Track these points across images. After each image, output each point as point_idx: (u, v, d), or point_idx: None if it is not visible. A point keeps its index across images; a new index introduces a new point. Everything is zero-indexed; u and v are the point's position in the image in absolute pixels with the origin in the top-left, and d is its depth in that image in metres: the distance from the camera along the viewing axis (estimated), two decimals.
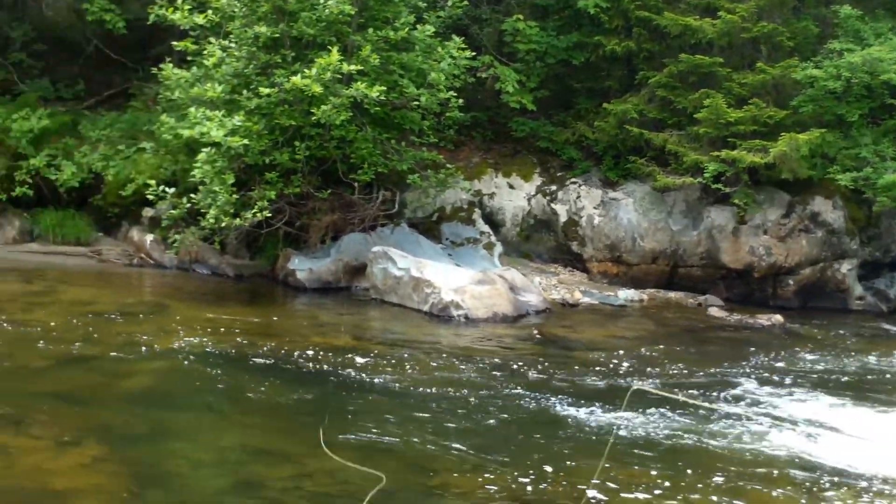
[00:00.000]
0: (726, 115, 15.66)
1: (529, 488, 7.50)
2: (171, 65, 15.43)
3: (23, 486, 6.96)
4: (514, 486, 7.53)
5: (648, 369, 11.42)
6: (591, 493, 7.44)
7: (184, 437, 8.32)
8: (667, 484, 7.74)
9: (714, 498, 7.49)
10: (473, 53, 15.99)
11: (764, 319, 14.86)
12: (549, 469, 7.92)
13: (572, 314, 14.82)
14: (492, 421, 9.15)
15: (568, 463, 8.09)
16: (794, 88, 16.31)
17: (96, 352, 10.51)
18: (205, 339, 11.44)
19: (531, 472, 7.83)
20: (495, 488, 7.47)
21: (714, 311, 15.47)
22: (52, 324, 11.54)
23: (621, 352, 12.35)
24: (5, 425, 8.16)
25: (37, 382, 9.43)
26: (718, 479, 7.89)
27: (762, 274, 16.43)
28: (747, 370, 11.66)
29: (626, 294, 16.06)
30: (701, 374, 11.35)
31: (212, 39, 14.76)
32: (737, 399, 10.31)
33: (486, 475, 7.71)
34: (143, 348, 10.84)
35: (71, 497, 6.85)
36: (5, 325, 11.35)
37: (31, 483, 7.04)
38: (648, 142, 16.58)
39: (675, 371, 11.39)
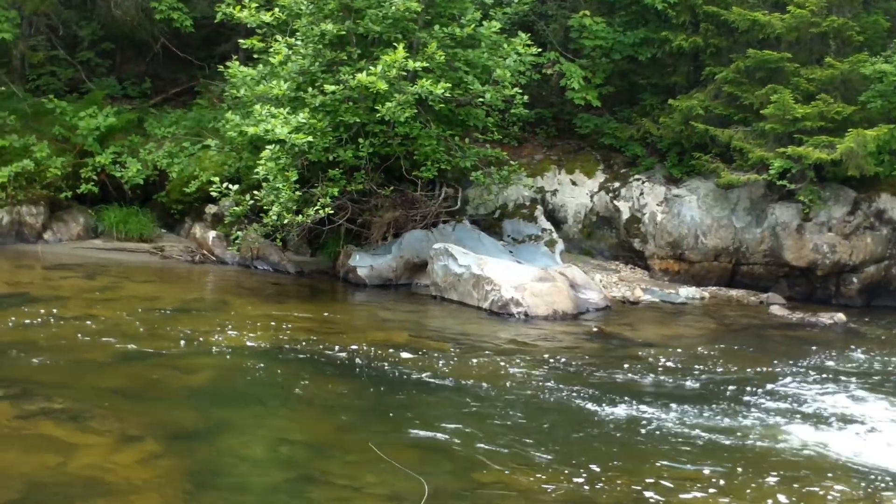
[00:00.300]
0: (793, 111, 15.41)
1: (586, 488, 7.43)
2: (237, 62, 15.61)
3: (81, 481, 7.04)
4: (569, 485, 7.47)
5: (708, 368, 11.26)
6: (648, 493, 7.36)
7: (242, 434, 8.36)
8: (721, 483, 7.63)
9: (770, 500, 7.35)
10: (539, 50, 15.89)
11: (826, 318, 14.60)
12: (605, 468, 7.84)
13: (633, 312, 14.69)
14: (549, 420, 9.08)
15: (625, 462, 8.00)
16: (862, 84, 15.98)
17: (157, 347, 10.62)
18: (265, 336, 11.52)
19: (587, 471, 7.77)
20: (551, 487, 7.41)
21: (776, 310, 15.24)
22: (115, 320, 11.68)
23: (681, 350, 12.22)
24: (66, 420, 8.27)
25: (98, 377, 9.56)
26: (772, 480, 7.76)
27: (826, 272, 16.14)
28: (807, 369, 11.45)
29: (687, 292, 15.88)
30: (760, 372, 11.17)
31: (278, 37, 14.86)
32: (796, 398, 10.12)
33: (541, 474, 7.66)
34: (204, 344, 10.93)
35: (128, 493, 6.90)
36: (69, 320, 11.52)
37: (90, 478, 7.11)
38: (713, 138, 16.37)
39: (735, 370, 11.23)
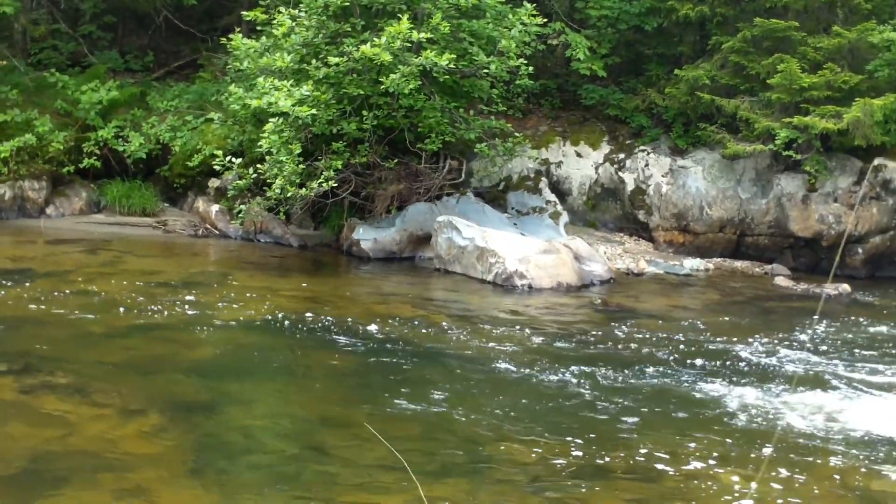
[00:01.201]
0: (800, 81, 15.30)
1: (590, 458, 7.40)
2: (240, 35, 15.50)
3: (86, 454, 7.03)
4: (573, 457, 7.44)
5: (712, 339, 11.21)
6: (652, 464, 7.33)
7: (244, 407, 8.35)
8: (725, 453, 7.61)
9: (772, 470, 7.32)
10: (544, 20, 15.74)
11: (831, 289, 14.54)
12: (610, 440, 7.82)
13: (637, 284, 14.64)
14: (553, 391, 9.04)
15: (630, 434, 7.98)
16: (870, 53, 15.87)
17: (161, 321, 10.60)
18: (267, 309, 11.49)
19: (591, 442, 7.74)
20: (556, 459, 7.39)
21: (780, 281, 15.18)
22: (117, 294, 11.65)
23: (685, 321, 12.18)
24: (70, 393, 8.26)
25: (100, 352, 9.53)
26: (775, 449, 7.72)
27: (831, 242, 16.05)
28: (812, 339, 11.42)
29: (691, 263, 15.83)
30: (764, 343, 11.12)
31: (281, 9, 14.76)
32: (801, 368, 10.09)
33: (546, 446, 7.64)
34: (206, 318, 10.90)
35: (133, 465, 6.90)
36: (71, 295, 11.49)
37: (94, 451, 7.11)
38: (720, 108, 16.26)
39: (739, 340, 11.17)
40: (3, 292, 11.44)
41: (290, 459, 7.31)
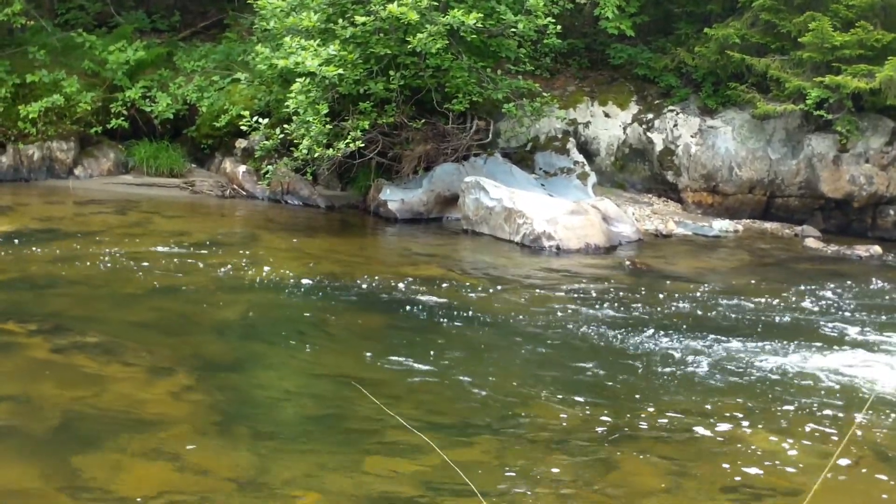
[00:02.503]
0: (832, 39, 15.09)
1: (621, 420, 7.39)
2: None
3: (114, 413, 7.08)
4: (604, 418, 7.43)
5: (741, 300, 11.15)
6: (683, 425, 7.32)
7: (272, 368, 8.38)
8: (755, 414, 7.57)
9: (801, 430, 7.29)
10: None
11: (862, 250, 14.41)
12: (638, 401, 7.81)
13: (665, 245, 14.56)
14: (582, 353, 9.03)
15: (658, 395, 7.96)
16: None
17: (188, 282, 10.64)
18: (295, 270, 11.50)
19: (622, 404, 7.74)
20: (586, 421, 7.39)
21: (810, 242, 15.04)
22: (145, 254, 11.70)
23: (714, 283, 12.12)
24: (99, 353, 8.31)
25: (129, 312, 9.58)
26: (805, 411, 7.68)
27: (862, 204, 15.89)
28: (842, 301, 11.32)
29: (720, 225, 15.71)
30: (793, 305, 11.06)
31: None
32: (831, 330, 10.02)
33: (577, 408, 7.64)
34: (234, 279, 10.94)
35: (161, 425, 6.94)
36: (100, 255, 11.54)
37: (122, 410, 7.16)
38: (750, 67, 16.07)
39: (768, 302, 11.11)
40: (33, 252, 11.52)
41: (316, 420, 7.35)
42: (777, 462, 6.80)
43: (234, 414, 7.27)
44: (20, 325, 8.82)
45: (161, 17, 20.17)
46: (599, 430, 7.25)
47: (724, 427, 7.36)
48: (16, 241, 12.05)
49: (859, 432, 7.32)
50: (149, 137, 17.36)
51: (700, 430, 7.30)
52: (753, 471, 6.66)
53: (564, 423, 7.34)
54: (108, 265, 11.11)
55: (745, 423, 7.45)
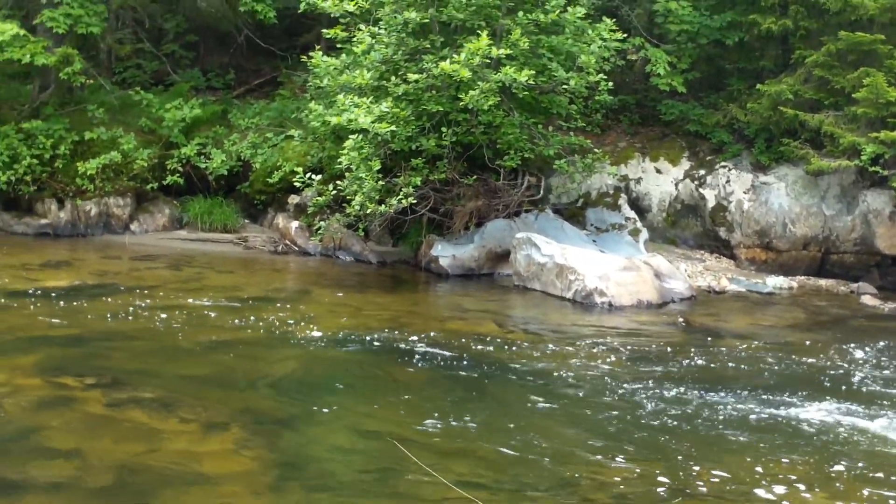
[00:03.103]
0: (886, 95, 14.98)
1: (674, 480, 7.29)
2: (320, 52, 15.60)
3: (169, 469, 7.10)
4: (658, 477, 7.33)
5: (797, 359, 11.00)
6: (734, 486, 7.20)
7: (325, 424, 8.37)
8: (809, 476, 7.43)
9: (857, 494, 7.15)
10: (624, 35, 15.65)
11: None
12: (693, 460, 7.69)
13: (718, 302, 14.43)
14: (636, 411, 8.93)
15: (712, 454, 7.84)
16: None
17: (242, 337, 10.70)
18: (347, 326, 11.54)
19: (675, 463, 7.63)
20: (640, 480, 7.29)
21: (867, 300, 14.84)
22: (200, 309, 11.79)
23: (769, 341, 11.97)
24: (156, 408, 8.35)
25: (184, 366, 9.65)
26: (860, 474, 7.53)
27: None
28: None
29: (774, 281, 15.56)
30: (851, 364, 10.89)
31: (361, 26, 14.83)
32: (888, 391, 9.83)
33: (630, 466, 7.54)
34: (287, 334, 10.98)
35: (217, 481, 6.95)
36: (155, 310, 11.65)
37: (179, 465, 7.17)
38: (803, 123, 15.99)
39: (825, 361, 10.95)
40: (89, 307, 11.66)
41: (371, 477, 7.31)
42: None
43: (288, 471, 7.26)
44: (77, 378, 8.90)
45: (216, 75, 20.51)
46: (656, 490, 7.15)
47: (779, 489, 7.22)
48: (73, 295, 12.20)
49: None
50: (203, 193, 17.59)
51: (757, 491, 7.17)
52: None
53: (618, 483, 7.25)
54: (163, 320, 11.20)
55: (802, 486, 7.30)
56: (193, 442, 7.68)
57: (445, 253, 15.33)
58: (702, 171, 17.16)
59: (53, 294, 12.20)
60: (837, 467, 7.70)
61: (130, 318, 11.24)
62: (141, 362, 9.67)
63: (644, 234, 16.54)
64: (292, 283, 14.69)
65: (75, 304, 11.81)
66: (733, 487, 7.24)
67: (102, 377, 9.00)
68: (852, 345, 11.81)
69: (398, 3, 14.76)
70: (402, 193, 14.15)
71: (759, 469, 7.58)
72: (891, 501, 7.08)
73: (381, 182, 14.14)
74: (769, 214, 16.37)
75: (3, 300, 11.67)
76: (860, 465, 7.76)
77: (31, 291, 12.29)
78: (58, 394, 8.54)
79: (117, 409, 8.24)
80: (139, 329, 10.81)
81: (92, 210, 16.77)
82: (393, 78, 14.38)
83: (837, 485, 7.37)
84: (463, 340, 11.06)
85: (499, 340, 11.22)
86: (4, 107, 17.63)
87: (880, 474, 7.56)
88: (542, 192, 16.11)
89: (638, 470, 7.50)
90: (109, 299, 12.08)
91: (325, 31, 15.86)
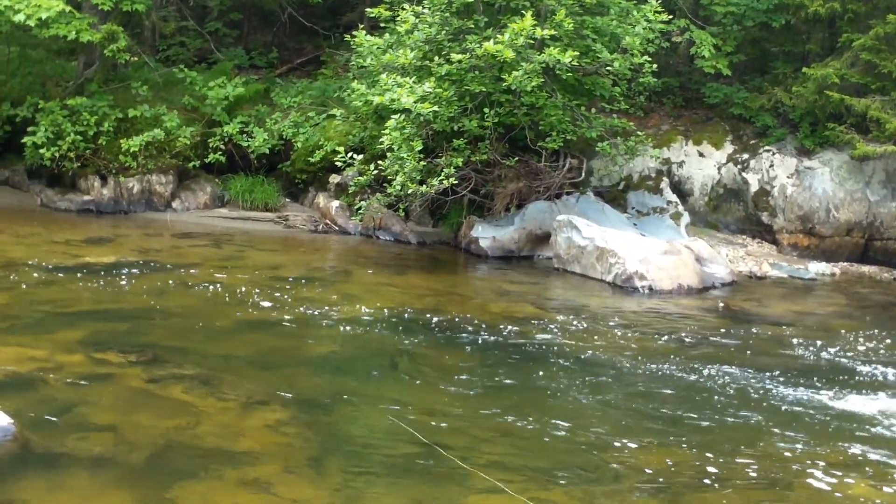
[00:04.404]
0: None
1: (713, 466, 7.25)
2: (363, 32, 15.58)
3: (209, 445, 7.13)
4: (696, 463, 7.30)
5: (839, 345, 10.90)
6: (775, 473, 7.15)
7: (364, 403, 8.39)
8: (852, 464, 7.37)
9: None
10: (669, 17, 15.52)
11: None
12: (732, 446, 7.64)
13: (759, 287, 14.33)
14: (674, 396, 8.89)
15: (751, 441, 7.79)
16: None
17: (282, 316, 10.73)
18: (386, 305, 11.56)
19: (714, 449, 7.58)
20: (678, 466, 7.25)
21: None
22: (241, 288, 11.84)
23: (811, 327, 11.88)
24: (197, 385, 8.40)
25: (226, 344, 9.70)
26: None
27: None
28: None
29: (816, 267, 15.43)
30: (894, 351, 10.80)
31: (405, 6, 14.81)
32: None
33: (669, 452, 7.50)
34: (326, 313, 11.01)
35: (256, 458, 6.98)
36: (196, 287, 11.72)
37: (219, 442, 7.21)
38: (849, 108, 15.81)
39: (867, 348, 10.85)
40: (132, 284, 11.75)
41: (408, 456, 7.32)
42: None
43: (327, 450, 7.29)
44: (119, 354, 8.96)
45: (259, 53, 20.57)
46: (690, 473, 7.11)
47: (816, 476, 7.17)
48: (115, 272, 12.29)
49: None
50: (245, 172, 17.65)
51: (794, 477, 7.12)
52: None
53: (654, 466, 7.21)
54: (204, 298, 11.28)
55: (839, 473, 7.24)
56: (232, 419, 7.72)
57: (485, 234, 15.31)
58: (745, 156, 17.01)
59: (96, 270, 12.30)
60: (874, 455, 7.63)
61: (171, 295, 11.31)
62: (182, 339, 9.73)
63: (685, 218, 16.43)
64: (332, 263, 14.74)
65: (117, 280, 11.91)
66: (768, 474, 7.19)
67: (143, 353, 9.06)
68: (894, 332, 11.68)
69: None
70: (443, 174, 14.14)
71: (795, 456, 7.53)
72: None
73: (422, 162, 14.13)
74: (813, 200, 16.23)
75: (46, 276, 11.78)
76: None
77: (74, 267, 12.39)
78: (99, 369, 8.60)
79: (158, 386, 8.29)
80: (180, 306, 10.89)
81: (134, 187, 16.87)
82: (436, 58, 14.35)
83: (874, 472, 7.30)
84: (502, 322, 11.05)
85: (537, 323, 11.20)
86: (49, 83, 17.77)
87: None
88: (583, 174, 16.05)
89: (672, 455, 7.47)
90: (151, 276, 12.16)
91: (368, 10, 15.88)
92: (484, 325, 10.87)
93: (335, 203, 16.65)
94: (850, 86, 16.06)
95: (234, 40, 20.88)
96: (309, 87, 18.47)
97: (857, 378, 9.67)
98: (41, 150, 16.37)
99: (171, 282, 11.90)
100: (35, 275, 11.74)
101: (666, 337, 11.00)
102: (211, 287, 11.76)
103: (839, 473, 7.24)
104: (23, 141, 16.49)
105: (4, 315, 10.00)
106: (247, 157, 17.54)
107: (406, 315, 11.15)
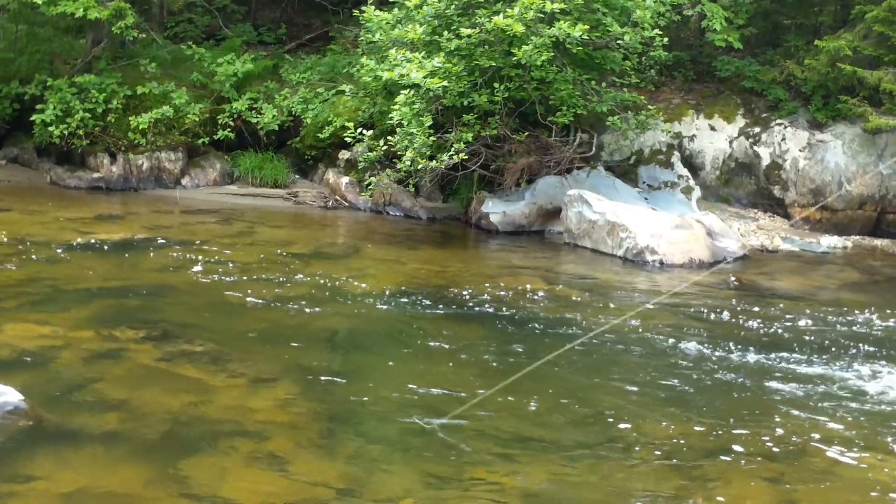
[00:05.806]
0: None
1: (721, 438, 7.23)
2: (371, 7, 15.51)
3: (220, 421, 7.14)
4: (705, 436, 7.29)
5: (851, 319, 10.85)
6: (782, 446, 7.12)
7: (374, 379, 8.37)
8: (860, 439, 7.33)
9: None
10: None
11: None
12: (740, 419, 7.63)
13: (771, 261, 14.27)
14: (684, 369, 8.86)
15: (761, 414, 7.76)
16: None
17: (292, 292, 10.71)
18: (397, 281, 11.54)
19: (723, 422, 7.56)
20: (687, 438, 7.23)
21: None
22: (250, 264, 11.83)
23: (822, 301, 11.83)
24: (206, 362, 8.40)
25: (236, 320, 9.69)
26: None
27: None
28: None
29: (828, 241, 15.37)
30: None
31: None
32: None
33: (678, 425, 7.48)
34: (336, 289, 10.99)
35: (266, 434, 6.97)
36: (206, 264, 11.70)
37: (229, 418, 7.21)
38: (862, 80, 15.69)
39: (879, 321, 10.79)
40: (142, 260, 11.75)
41: (419, 432, 7.30)
42: (891, 493, 6.57)
43: (335, 425, 7.28)
44: (129, 331, 8.97)
45: (268, 29, 20.50)
46: (705, 446, 7.10)
47: (831, 450, 7.14)
48: (125, 248, 12.30)
49: None
50: (254, 148, 17.62)
51: (807, 451, 7.10)
52: (861, 498, 6.45)
53: (668, 439, 7.20)
54: (214, 274, 11.26)
55: (853, 447, 7.21)
56: (243, 396, 7.72)
57: (496, 209, 15.26)
58: (757, 129, 16.92)
59: (106, 247, 12.31)
60: (887, 429, 7.59)
61: (181, 272, 11.30)
62: (191, 316, 9.73)
63: (697, 193, 16.35)
64: (342, 239, 14.72)
65: (127, 257, 11.91)
66: (783, 447, 7.17)
67: (154, 330, 9.07)
68: None
69: None
70: (453, 149, 14.09)
71: (809, 429, 7.50)
72: None
73: (432, 138, 14.08)
74: (825, 173, 16.14)
75: (56, 253, 11.78)
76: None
77: (84, 244, 12.39)
78: (110, 346, 8.61)
79: (168, 363, 8.29)
80: (190, 283, 10.88)
81: (144, 164, 16.85)
82: (445, 33, 14.28)
83: (887, 446, 7.27)
84: (513, 297, 11.02)
85: (549, 297, 11.17)
86: (58, 61, 17.74)
87: None
88: (594, 148, 15.96)
89: (686, 428, 7.45)
90: (161, 253, 12.16)
91: None
92: (495, 301, 10.84)
93: (345, 179, 16.61)
94: (862, 58, 15.93)
95: (243, 16, 20.80)
96: (318, 62, 18.40)
97: (868, 351, 9.62)
98: (50, 128, 16.36)
99: (180, 258, 11.90)
100: (45, 252, 11.74)
101: (677, 311, 10.96)
102: (221, 264, 11.75)
103: (854, 446, 7.22)
104: (31, 119, 16.48)
105: (15, 292, 10.01)
106: (256, 134, 17.50)
107: (416, 290, 11.13)
